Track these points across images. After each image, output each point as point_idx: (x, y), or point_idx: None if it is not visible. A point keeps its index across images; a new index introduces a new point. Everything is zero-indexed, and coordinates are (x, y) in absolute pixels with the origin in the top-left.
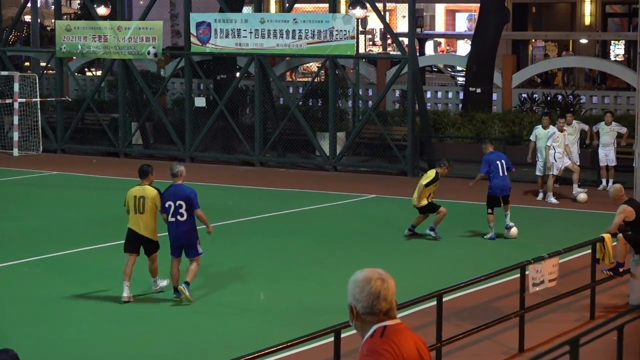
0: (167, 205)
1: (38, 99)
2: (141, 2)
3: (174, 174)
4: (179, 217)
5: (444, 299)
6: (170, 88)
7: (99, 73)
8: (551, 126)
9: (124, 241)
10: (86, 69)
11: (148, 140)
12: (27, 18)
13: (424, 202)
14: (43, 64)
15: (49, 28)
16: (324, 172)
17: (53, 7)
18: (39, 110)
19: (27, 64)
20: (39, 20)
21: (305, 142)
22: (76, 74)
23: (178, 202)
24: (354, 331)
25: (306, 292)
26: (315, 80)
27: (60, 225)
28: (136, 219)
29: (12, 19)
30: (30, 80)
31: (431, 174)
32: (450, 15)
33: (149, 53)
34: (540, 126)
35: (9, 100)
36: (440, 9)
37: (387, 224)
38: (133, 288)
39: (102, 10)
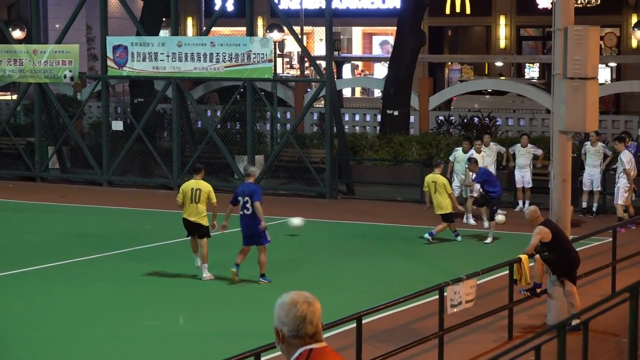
0: (237, 200)
1: None
2: (57, 26)
3: (247, 174)
4: (246, 210)
5: (363, 321)
6: (87, 112)
7: (14, 97)
8: (472, 150)
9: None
10: (0, 93)
11: (65, 165)
12: None
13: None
14: None
15: None
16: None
17: None
18: None
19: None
20: None
21: (224, 165)
22: None
23: (246, 198)
24: (278, 353)
25: (228, 316)
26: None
27: None
28: (191, 207)
29: None
30: None
31: (441, 179)
32: (367, 38)
33: (65, 77)
34: (460, 149)
35: None
36: (357, 32)
37: (309, 249)
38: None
39: (17, 34)
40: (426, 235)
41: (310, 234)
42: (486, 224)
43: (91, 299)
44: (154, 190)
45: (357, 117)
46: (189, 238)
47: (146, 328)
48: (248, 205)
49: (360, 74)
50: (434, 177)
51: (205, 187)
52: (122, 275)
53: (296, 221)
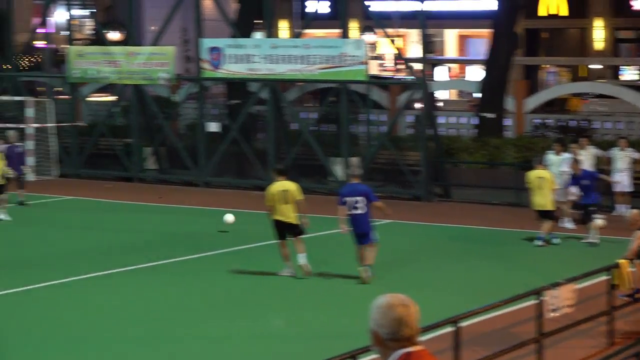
0: (343, 200)
1: (53, 124)
2: (153, 28)
3: (355, 175)
4: (358, 210)
5: (460, 325)
6: (183, 113)
7: (111, 98)
8: (566, 153)
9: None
10: (98, 94)
11: (162, 165)
12: (41, 44)
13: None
14: (56, 89)
15: (61, 53)
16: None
17: (64, 32)
18: (55, 135)
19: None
20: (52, 46)
21: (318, 167)
22: (89, 98)
23: (356, 198)
24: (374, 356)
25: (323, 317)
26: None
27: (74, 250)
28: (282, 208)
29: (23, 45)
30: (44, 105)
31: (548, 174)
32: (462, 40)
33: (161, 78)
34: (551, 152)
35: (23, 126)
36: (451, 35)
37: (405, 251)
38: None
39: (114, 36)
40: (538, 242)
41: (406, 237)
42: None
43: (186, 299)
44: (249, 191)
45: (452, 120)
46: (279, 241)
47: (242, 328)
48: (359, 204)
49: (454, 77)
50: (540, 173)
51: (292, 186)
52: (217, 275)
53: (229, 218)
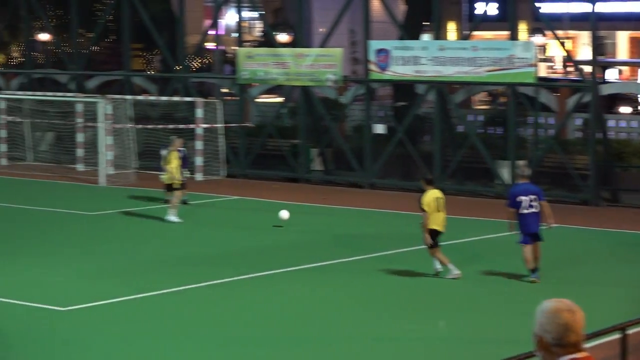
0: (518, 200)
1: (222, 125)
2: (321, 30)
3: (524, 175)
4: (532, 209)
5: (628, 332)
6: (350, 114)
7: (279, 99)
8: None
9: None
10: (266, 95)
11: (328, 166)
12: (211, 45)
13: None
14: (225, 90)
15: (230, 55)
16: (505, 200)
17: (235, 34)
18: (223, 136)
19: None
20: (221, 48)
21: (485, 170)
22: (258, 100)
23: (530, 197)
24: None
25: (485, 321)
26: (495, 107)
27: (240, 249)
28: (438, 217)
29: (195, 47)
30: (214, 106)
31: None
32: (634, 42)
33: (328, 80)
34: None
35: (192, 126)
36: (623, 37)
37: (572, 255)
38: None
39: (283, 38)
40: None
41: (572, 241)
42: None
43: (351, 300)
44: (415, 193)
45: (622, 123)
46: (435, 248)
47: (407, 330)
48: (534, 203)
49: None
50: None
51: (441, 194)
52: (380, 277)
53: (284, 214)
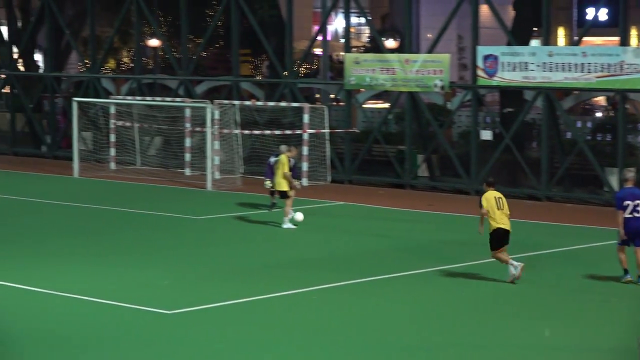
0: (625, 204)
1: (328, 130)
2: (429, 36)
3: (627, 179)
4: (635, 213)
5: None
6: (457, 121)
7: (386, 105)
8: None
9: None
10: (372, 101)
11: (434, 173)
12: (318, 51)
13: None
14: (332, 96)
15: (338, 61)
16: (613, 209)
17: (342, 40)
18: (328, 142)
19: (317, 95)
20: (328, 53)
21: (593, 177)
22: (366, 106)
23: (636, 202)
24: None
25: (595, 331)
26: (604, 114)
27: (344, 254)
28: (500, 215)
29: (302, 52)
30: (320, 111)
31: None
32: None
33: (435, 86)
34: None
35: (299, 131)
36: None
37: None
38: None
39: (390, 43)
40: None
41: None
42: None
43: (461, 305)
44: (520, 200)
45: None
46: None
47: (519, 338)
48: (639, 208)
49: None
50: None
51: (500, 193)
52: (487, 284)
53: (299, 216)
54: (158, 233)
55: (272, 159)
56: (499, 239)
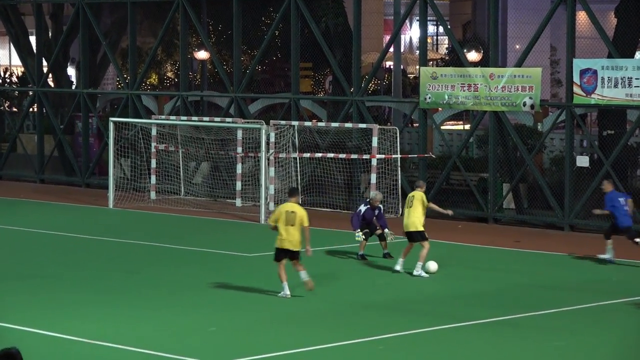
0: None
1: (399, 155)
2: (517, 47)
3: None
4: None
5: None
6: (549, 144)
7: (466, 127)
8: None
9: None
10: (451, 122)
11: (522, 204)
12: (389, 64)
13: None
14: (405, 116)
15: (412, 75)
16: None
17: (417, 52)
18: (399, 168)
19: (387, 115)
20: (401, 67)
21: None
22: (444, 127)
23: None
24: None
25: None
26: None
27: (418, 296)
28: (286, 231)
29: (372, 66)
30: (391, 133)
31: None
32: None
33: (524, 104)
34: None
35: (366, 156)
36: None
37: None
38: None
39: (472, 56)
40: None
41: None
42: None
43: (550, 357)
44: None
45: None
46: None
47: None
48: None
49: None
50: None
51: (301, 210)
52: (589, 333)
53: (433, 267)
54: (205, 272)
55: (363, 207)
56: (278, 253)
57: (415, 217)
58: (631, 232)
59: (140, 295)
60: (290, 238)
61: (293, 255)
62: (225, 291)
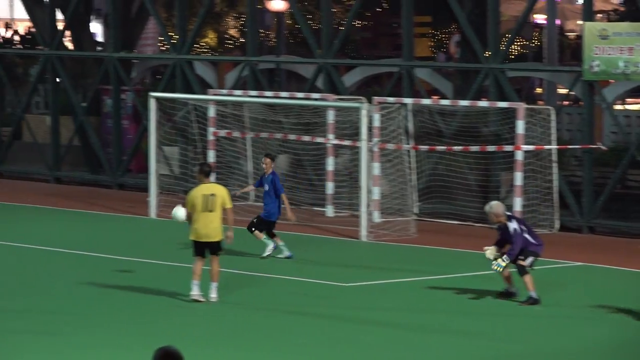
0: None
1: (554, 147)
2: None
3: None
4: None
5: None
6: None
7: None
8: None
9: None
10: (631, 100)
11: None
12: (540, 18)
13: None
14: (562, 92)
15: (572, 34)
16: None
17: (580, 1)
18: (556, 165)
19: (538, 90)
20: (557, 22)
21: None
22: (617, 107)
23: None
24: None
25: None
26: None
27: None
28: (204, 218)
29: (516, 20)
30: (543, 115)
31: None
32: None
33: None
34: None
35: (508, 148)
36: None
37: None
38: None
39: None
40: None
41: None
42: None
43: None
44: None
45: None
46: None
47: None
48: None
49: None
50: None
51: (221, 191)
52: None
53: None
54: (287, 306)
55: (515, 224)
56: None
57: None
58: None
59: (200, 337)
60: (211, 226)
61: (214, 247)
62: (314, 333)
